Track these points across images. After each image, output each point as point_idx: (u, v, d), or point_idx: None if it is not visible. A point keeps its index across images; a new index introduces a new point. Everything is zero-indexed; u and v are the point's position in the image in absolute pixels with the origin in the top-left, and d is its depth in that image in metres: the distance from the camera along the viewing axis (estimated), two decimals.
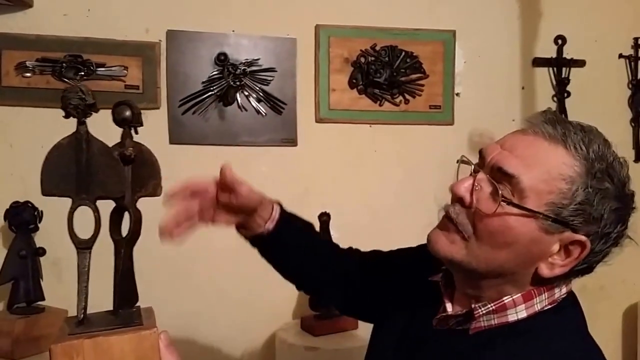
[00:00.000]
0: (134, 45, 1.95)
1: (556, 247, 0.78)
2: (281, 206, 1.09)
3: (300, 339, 1.78)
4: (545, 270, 0.79)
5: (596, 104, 2.28)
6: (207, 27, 2.01)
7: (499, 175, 0.78)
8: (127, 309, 0.84)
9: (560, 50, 2.29)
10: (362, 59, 2.14)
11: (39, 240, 1.83)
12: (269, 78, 2.05)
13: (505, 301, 0.81)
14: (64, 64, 1.89)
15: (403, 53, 2.17)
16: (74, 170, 0.77)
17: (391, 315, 1.00)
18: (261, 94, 2.04)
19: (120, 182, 0.79)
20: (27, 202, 1.79)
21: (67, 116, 0.78)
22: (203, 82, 1.99)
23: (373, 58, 2.15)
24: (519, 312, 0.81)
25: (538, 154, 0.77)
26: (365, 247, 1.20)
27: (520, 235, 0.77)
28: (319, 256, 1.12)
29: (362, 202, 2.13)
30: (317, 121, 2.12)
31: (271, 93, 2.05)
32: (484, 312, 0.82)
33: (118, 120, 0.84)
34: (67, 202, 2.03)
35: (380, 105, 2.17)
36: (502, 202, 0.76)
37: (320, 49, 2.11)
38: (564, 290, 0.83)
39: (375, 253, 1.17)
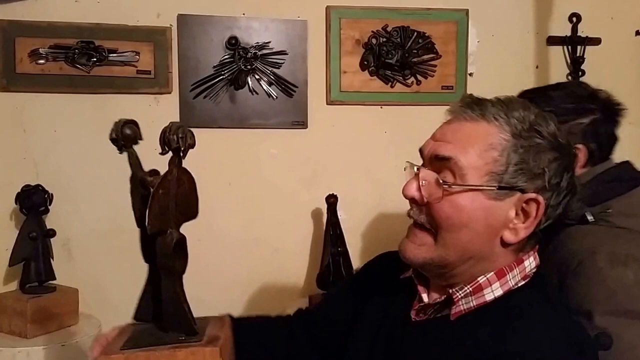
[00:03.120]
0: (145, 31, 1.95)
1: (512, 212, 0.81)
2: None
3: None
4: (510, 237, 0.82)
5: (611, 83, 2.20)
6: (217, 10, 2.00)
7: (438, 164, 0.84)
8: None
9: (575, 28, 2.25)
10: (374, 40, 2.12)
11: (50, 222, 1.87)
12: (280, 61, 2.04)
13: (480, 281, 0.84)
14: (76, 50, 1.90)
15: (415, 33, 2.14)
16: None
17: (361, 323, 1.01)
18: (272, 77, 2.03)
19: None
20: (38, 185, 1.83)
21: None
22: (214, 66, 1.99)
23: (385, 39, 2.13)
24: (495, 291, 0.83)
25: (465, 134, 0.82)
26: (373, 229, 1.20)
27: (472, 212, 0.81)
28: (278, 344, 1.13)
29: (371, 184, 2.13)
30: (328, 103, 2.11)
31: (282, 76, 2.04)
32: (462, 295, 0.84)
33: (172, 149, 0.90)
34: (78, 185, 2.06)
35: (391, 86, 2.16)
36: (445, 187, 0.81)
37: (332, 30, 2.10)
38: (533, 263, 0.86)
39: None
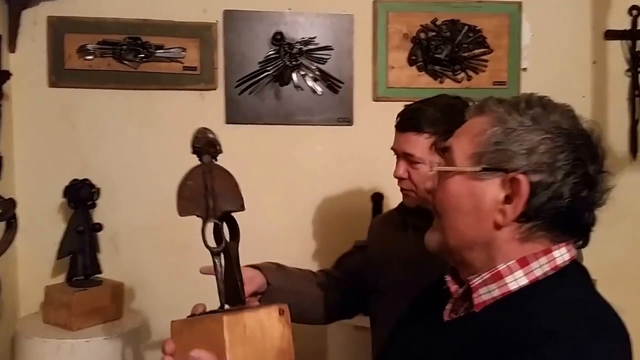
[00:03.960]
0: (191, 27, 1.95)
1: (501, 194, 0.81)
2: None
3: (350, 320, 1.76)
4: (499, 219, 0.81)
5: None
6: (263, 5, 1.99)
7: (444, 156, 0.89)
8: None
9: (634, 22, 2.14)
10: (422, 35, 2.07)
11: (96, 216, 1.89)
12: (326, 56, 2.01)
13: (500, 268, 0.82)
14: (123, 47, 1.91)
15: (465, 27, 2.08)
16: (203, 193, 0.95)
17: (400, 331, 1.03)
18: (317, 72, 2.00)
19: (240, 198, 0.99)
20: (86, 180, 1.85)
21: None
22: (259, 62, 1.97)
23: (434, 33, 2.07)
24: (519, 279, 0.81)
25: (465, 127, 0.88)
26: None
27: (459, 194, 0.84)
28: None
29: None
30: (374, 100, 2.07)
31: (327, 72, 2.01)
32: (479, 281, 0.83)
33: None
34: (124, 179, 2.08)
35: (440, 82, 2.10)
36: (435, 172, 0.88)
37: (379, 25, 2.05)
38: (567, 255, 0.83)
39: None
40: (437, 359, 0.86)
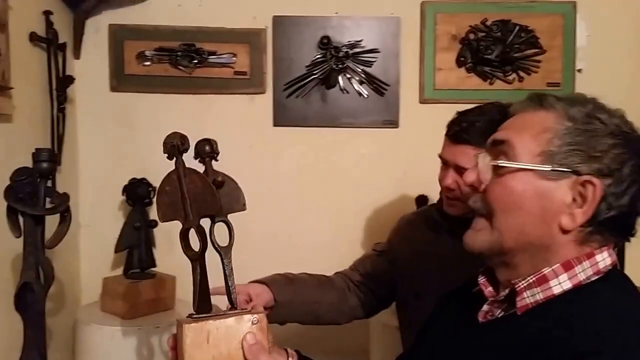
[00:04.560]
0: (242, 33, 2.02)
1: (568, 196, 0.78)
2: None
3: (393, 319, 1.77)
4: (567, 222, 0.78)
5: None
6: (311, 10, 2.03)
7: (496, 150, 0.84)
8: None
9: None
10: (472, 36, 2.04)
11: (153, 213, 1.99)
12: (372, 59, 2.02)
13: (545, 272, 0.80)
14: (179, 53, 2.01)
15: (517, 27, 2.03)
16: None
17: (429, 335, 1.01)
18: (363, 75, 2.02)
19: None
20: (143, 178, 1.95)
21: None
22: (307, 66, 2.01)
23: (483, 34, 2.04)
24: (563, 283, 0.79)
25: (523, 121, 0.84)
26: None
27: (524, 193, 0.80)
28: None
29: None
30: (421, 102, 2.06)
31: (374, 74, 2.03)
32: (524, 284, 0.81)
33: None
34: None
35: (490, 83, 2.06)
36: (496, 167, 0.82)
37: (426, 26, 2.04)
38: (608, 260, 0.81)
39: None
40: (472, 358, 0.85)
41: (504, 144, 0.83)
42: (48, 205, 1.25)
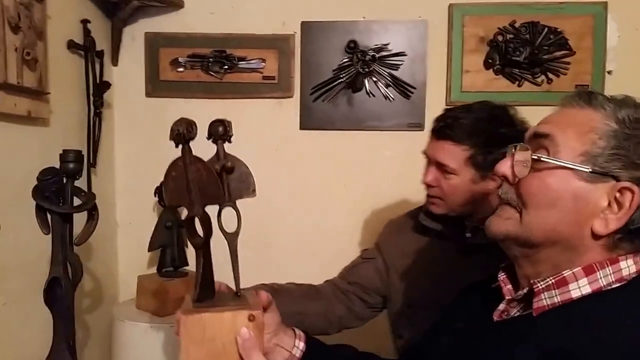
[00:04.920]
0: (271, 39, 2.07)
1: (604, 201, 0.77)
2: (306, 334, 1.08)
3: None
4: (599, 227, 0.76)
5: None
6: (339, 15, 2.06)
7: (536, 142, 0.82)
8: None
9: None
10: (500, 37, 2.03)
11: (184, 213, 2.04)
12: (399, 63, 2.04)
13: (565, 274, 0.79)
14: (210, 59, 2.07)
15: (546, 29, 2.01)
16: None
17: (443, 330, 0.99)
18: (390, 79, 2.04)
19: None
20: None
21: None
22: (333, 70, 2.05)
23: (512, 36, 2.03)
24: (582, 288, 0.78)
25: (568, 117, 0.81)
26: None
27: (560, 191, 0.78)
28: None
29: None
30: (447, 104, 2.06)
31: (400, 78, 2.04)
32: (543, 286, 0.80)
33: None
34: None
35: (519, 85, 2.05)
36: (535, 161, 0.80)
37: (454, 29, 2.05)
38: (633, 267, 0.78)
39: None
40: (484, 358, 0.84)
41: (546, 138, 0.81)
42: (75, 204, 1.31)
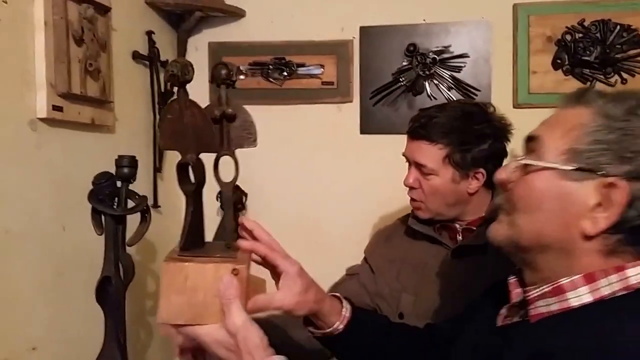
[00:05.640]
0: (329, 45, 2.07)
1: (592, 199, 0.73)
2: (351, 303, 1.06)
3: None
4: (588, 227, 0.72)
5: None
6: (398, 19, 2.04)
7: (528, 146, 0.82)
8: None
9: None
10: (568, 37, 1.95)
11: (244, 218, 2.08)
12: (461, 65, 2.00)
13: (562, 282, 0.75)
14: (270, 66, 2.10)
15: (618, 27, 1.91)
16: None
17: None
18: (451, 81, 1.99)
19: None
20: (236, 185, 2.04)
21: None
22: (393, 74, 2.02)
23: (581, 35, 1.94)
24: (583, 296, 0.73)
25: (560, 117, 0.80)
26: None
27: (545, 192, 0.76)
28: (392, 353, 1.08)
29: None
30: (514, 107, 2.00)
31: (463, 80, 1.99)
32: (537, 293, 0.77)
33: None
34: (268, 186, 2.26)
35: (590, 86, 1.96)
36: (525, 165, 0.79)
37: (519, 29, 1.98)
38: None
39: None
40: None
41: (535, 140, 0.79)
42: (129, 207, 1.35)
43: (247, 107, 2.13)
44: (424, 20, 2.03)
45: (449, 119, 1.33)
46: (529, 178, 0.78)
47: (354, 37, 2.07)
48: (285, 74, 2.09)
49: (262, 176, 2.14)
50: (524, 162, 0.79)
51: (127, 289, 1.36)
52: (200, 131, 0.88)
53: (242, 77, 2.13)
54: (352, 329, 1.03)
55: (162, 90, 1.93)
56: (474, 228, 1.40)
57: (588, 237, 0.74)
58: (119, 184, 1.34)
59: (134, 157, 1.36)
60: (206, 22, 2.14)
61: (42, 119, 1.35)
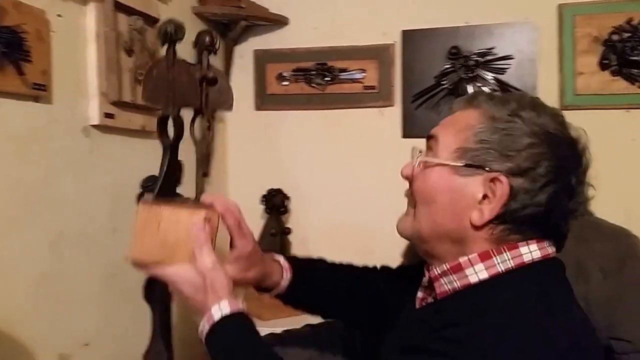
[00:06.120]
0: (371, 49, 2.10)
1: (480, 192, 0.82)
2: (290, 261, 1.13)
3: None
4: (475, 218, 0.81)
5: None
6: (440, 22, 2.04)
7: (428, 144, 0.91)
8: None
9: None
10: (615, 37, 1.90)
11: (288, 221, 2.14)
12: (505, 66, 1.98)
13: (461, 260, 0.82)
14: (312, 72, 2.14)
15: None
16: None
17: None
18: (495, 83, 1.98)
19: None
20: (279, 189, 2.10)
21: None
22: (435, 77, 2.02)
23: (629, 34, 1.89)
24: (479, 273, 0.81)
25: (454, 118, 0.89)
26: None
27: (438, 186, 0.85)
28: (341, 290, 1.19)
29: (615, 198, 1.88)
30: (561, 109, 1.94)
31: (507, 82, 1.97)
32: (439, 271, 0.84)
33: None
34: (312, 189, 2.28)
35: (639, 87, 1.90)
36: (423, 162, 0.89)
37: (564, 29, 1.95)
38: (538, 253, 0.80)
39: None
40: (406, 348, 0.86)
41: (432, 139, 0.90)
42: None
43: (291, 112, 2.21)
44: (466, 22, 2.02)
45: None
46: (427, 173, 0.87)
47: (395, 41, 2.08)
48: (327, 79, 2.13)
49: (305, 180, 2.18)
50: (421, 159, 0.90)
51: None
52: (184, 88, 0.94)
53: (285, 83, 2.18)
54: (296, 286, 1.11)
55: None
56: None
57: (477, 227, 0.82)
58: None
59: (180, 161, 1.41)
60: (251, 30, 2.20)
61: (94, 126, 1.44)
